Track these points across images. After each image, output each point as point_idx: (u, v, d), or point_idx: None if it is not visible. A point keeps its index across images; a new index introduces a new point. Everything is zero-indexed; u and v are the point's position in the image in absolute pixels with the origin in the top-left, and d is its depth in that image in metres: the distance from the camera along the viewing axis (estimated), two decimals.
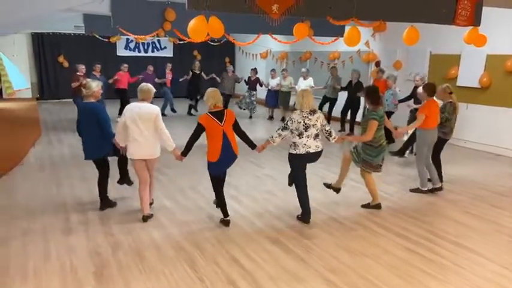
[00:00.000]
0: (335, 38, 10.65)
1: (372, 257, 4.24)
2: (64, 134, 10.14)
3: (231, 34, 10.13)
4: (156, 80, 12.74)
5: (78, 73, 10.15)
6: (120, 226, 4.86)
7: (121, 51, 16.69)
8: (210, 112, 4.64)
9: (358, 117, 10.32)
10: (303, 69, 12.02)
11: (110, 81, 11.73)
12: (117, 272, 3.86)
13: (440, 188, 6.18)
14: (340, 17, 5.50)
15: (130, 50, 16.98)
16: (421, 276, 3.88)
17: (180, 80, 13.42)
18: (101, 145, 5.11)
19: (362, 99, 9.99)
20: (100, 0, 7.65)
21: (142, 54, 17.12)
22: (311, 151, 4.84)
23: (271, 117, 12.95)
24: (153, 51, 17.38)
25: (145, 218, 4.99)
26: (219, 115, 4.61)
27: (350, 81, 10.55)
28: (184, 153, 4.79)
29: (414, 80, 8.25)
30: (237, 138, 4.86)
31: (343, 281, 3.77)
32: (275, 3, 4.92)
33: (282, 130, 4.90)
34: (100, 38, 13.40)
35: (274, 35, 10.06)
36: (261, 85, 12.99)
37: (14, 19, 8.03)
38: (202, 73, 13.44)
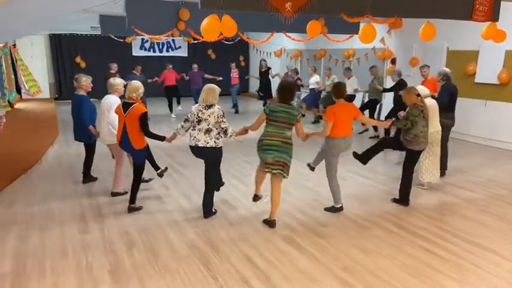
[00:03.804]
0: (350, 35, 10.55)
1: (387, 256, 4.20)
2: None
3: (244, 33, 10.14)
4: (206, 76, 12.88)
5: (111, 71, 10.69)
6: (135, 224, 4.91)
7: (136, 51, 16.86)
8: (124, 101, 5.17)
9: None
10: (345, 67, 11.13)
11: (149, 80, 11.94)
12: (131, 270, 3.90)
13: (341, 208, 5.26)
14: (354, 13, 5.45)
15: (145, 50, 17.15)
16: (437, 276, 3.82)
17: (246, 77, 13.42)
18: (87, 131, 6.00)
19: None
20: (115, 0, 7.74)
21: (158, 54, 17.27)
22: (199, 145, 4.82)
23: (317, 121, 11.62)
24: (168, 50, 17.50)
25: (113, 194, 5.82)
26: (127, 106, 5.08)
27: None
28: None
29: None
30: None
31: (357, 281, 3.73)
32: (288, 1, 4.89)
33: (184, 122, 5.04)
34: (116, 38, 13.58)
35: (288, 33, 10.02)
36: (302, 85, 12.33)
37: (32, 19, 8.18)
38: (270, 71, 13.46)
